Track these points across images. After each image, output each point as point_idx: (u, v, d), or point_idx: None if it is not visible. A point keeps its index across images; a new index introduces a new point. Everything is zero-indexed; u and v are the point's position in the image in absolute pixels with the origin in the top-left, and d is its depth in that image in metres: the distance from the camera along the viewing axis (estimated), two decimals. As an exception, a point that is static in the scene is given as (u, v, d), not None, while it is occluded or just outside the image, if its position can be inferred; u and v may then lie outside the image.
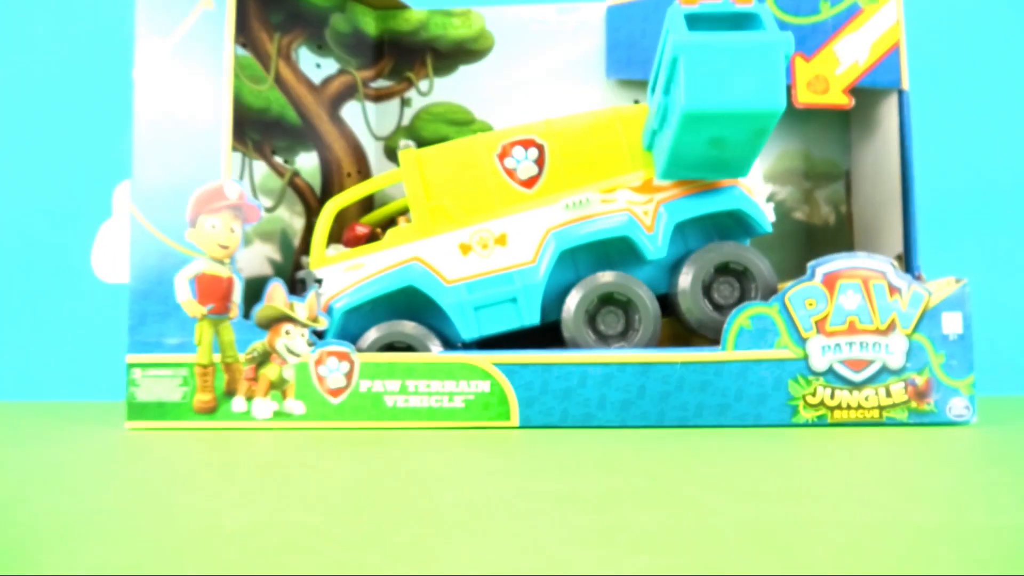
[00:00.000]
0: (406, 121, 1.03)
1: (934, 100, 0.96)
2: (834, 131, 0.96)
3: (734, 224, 0.78)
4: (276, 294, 0.74)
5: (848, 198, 0.96)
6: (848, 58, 0.85)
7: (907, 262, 0.81)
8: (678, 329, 0.78)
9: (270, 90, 0.90)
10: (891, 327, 0.70)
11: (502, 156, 0.77)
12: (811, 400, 0.70)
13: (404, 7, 1.02)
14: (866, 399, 0.70)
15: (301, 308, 0.74)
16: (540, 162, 0.77)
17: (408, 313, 0.78)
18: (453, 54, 1.02)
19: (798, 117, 0.95)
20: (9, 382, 1.16)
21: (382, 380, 0.73)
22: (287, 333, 0.74)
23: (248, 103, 0.87)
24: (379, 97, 1.03)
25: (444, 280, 0.76)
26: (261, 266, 0.87)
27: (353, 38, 1.00)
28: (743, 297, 0.75)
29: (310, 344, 0.74)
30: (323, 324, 0.74)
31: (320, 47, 0.96)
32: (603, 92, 0.98)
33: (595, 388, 0.70)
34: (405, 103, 1.03)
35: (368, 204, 1.01)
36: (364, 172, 1.01)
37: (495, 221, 0.76)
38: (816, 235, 0.97)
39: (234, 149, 0.84)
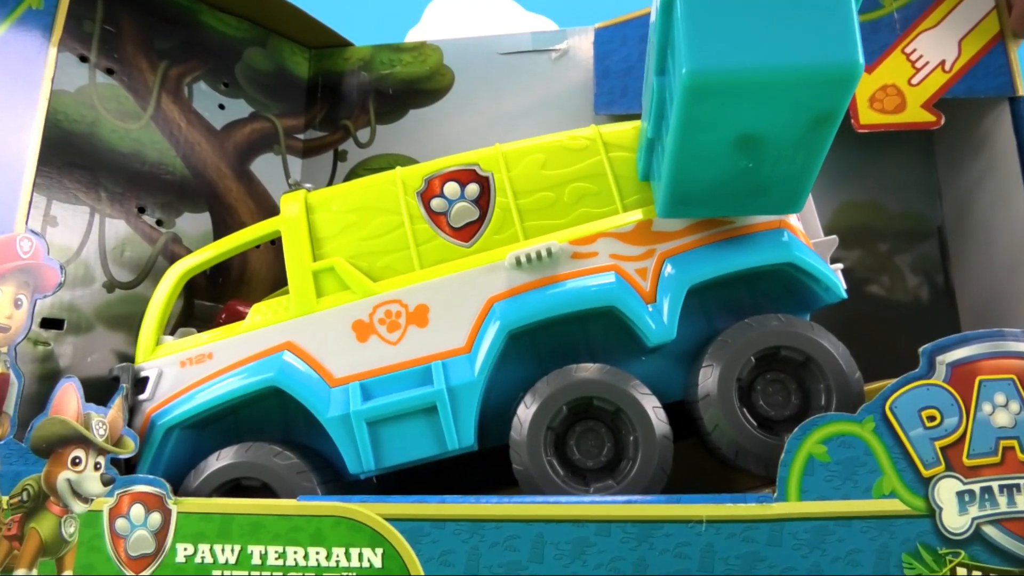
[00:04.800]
0: (340, 178, 0.80)
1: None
2: (915, 171, 0.69)
3: (782, 291, 0.50)
4: (67, 400, 0.48)
5: (945, 264, 0.68)
6: (929, 61, 0.60)
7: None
8: (701, 458, 0.49)
9: (144, 130, 0.68)
10: (1080, 459, 0.40)
11: (427, 195, 0.52)
12: (948, 592, 0.39)
13: (346, 44, 0.82)
14: (1050, 592, 0.39)
15: (100, 423, 0.47)
16: (483, 202, 0.52)
17: (282, 432, 0.51)
18: (401, 96, 0.80)
19: (863, 154, 0.69)
20: None
21: (210, 544, 0.44)
22: (75, 463, 0.47)
23: (108, 143, 0.65)
24: (309, 150, 0.81)
25: (328, 379, 0.49)
26: (104, 363, 0.62)
27: (275, 78, 0.80)
28: (806, 406, 0.46)
29: (107, 482, 0.46)
30: (129, 449, 0.47)
31: (226, 84, 0.75)
32: (592, 133, 0.74)
33: (558, 564, 0.41)
34: (339, 157, 0.80)
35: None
36: (280, 242, 0.77)
37: (410, 289, 0.50)
38: (902, 317, 0.68)
39: (79, 202, 0.62)
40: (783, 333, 0.46)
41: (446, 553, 0.41)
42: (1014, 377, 0.41)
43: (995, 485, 0.40)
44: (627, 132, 0.53)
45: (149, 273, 0.66)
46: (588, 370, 0.47)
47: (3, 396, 0.49)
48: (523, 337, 0.50)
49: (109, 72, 0.66)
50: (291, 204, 0.53)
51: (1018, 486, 0.40)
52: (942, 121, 0.58)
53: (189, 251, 0.70)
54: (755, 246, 0.48)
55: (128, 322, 0.64)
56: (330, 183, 0.80)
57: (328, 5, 1.21)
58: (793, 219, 0.50)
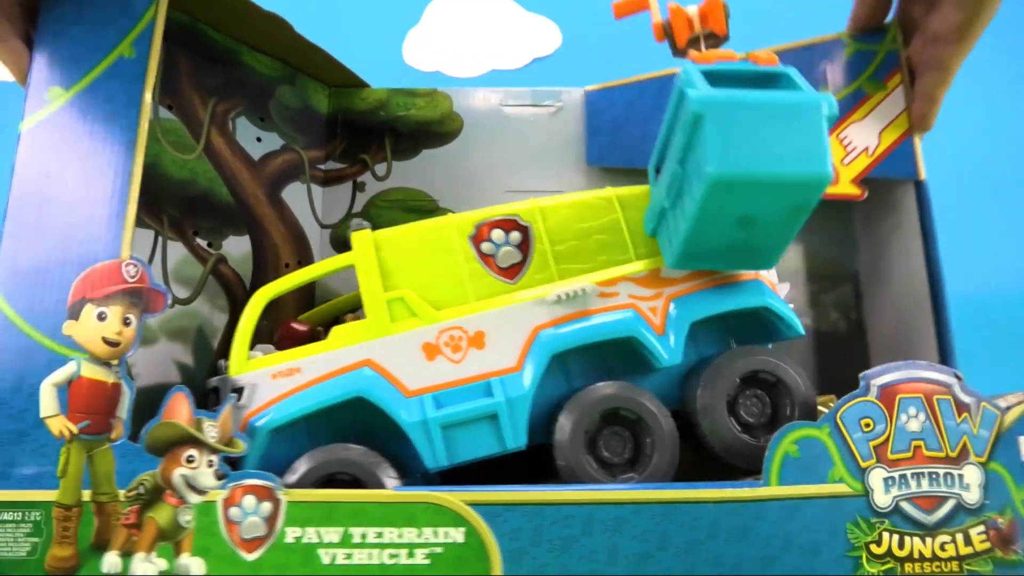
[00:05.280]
0: (358, 207, 0.89)
1: (956, 190, 0.89)
2: (836, 228, 0.87)
3: (753, 326, 0.65)
4: (179, 407, 0.56)
5: (859, 303, 0.86)
6: (857, 147, 0.77)
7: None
8: (699, 456, 0.63)
9: (197, 161, 0.75)
10: (962, 454, 0.56)
11: (478, 239, 0.64)
12: (876, 550, 0.55)
13: (363, 85, 0.92)
14: (942, 548, 0.55)
15: (211, 427, 0.56)
16: (524, 247, 0.64)
17: (357, 435, 0.61)
18: (415, 136, 0.90)
19: (802, 213, 0.86)
20: None
21: (316, 528, 0.54)
22: (189, 461, 0.55)
23: (168, 173, 0.72)
24: (329, 180, 0.90)
25: (404, 390, 0.59)
26: (166, 371, 0.69)
27: (301, 114, 0.88)
28: (775, 415, 0.61)
29: (220, 477, 0.55)
30: (240, 449, 0.56)
31: (263, 119, 0.83)
32: (583, 180, 0.88)
33: (603, 537, 0.53)
34: (358, 188, 0.90)
35: (308, 302, 0.84)
36: (306, 262, 0.85)
37: (469, 317, 0.61)
38: (826, 344, 0.85)
39: (146, 226, 0.69)
40: (762, 361, 0.61)
41: (515, 530, 0.53)
42: (922, 396, 0.57)
43: (909, 473, 0.56)
44: (637, 195, 0.66)
45: (202, 290, 0.74)
46: (614, 387, 0.60)
47: (117, 403, 0.56)
48: (557, 360, 0.62)
49: (169, 108, 0.73)
50: (361, 242, 0.63)
51: (923, 473, 0.56)
52: (866, 195, 0.75)
53: (234, 270, 0.78)
54: (740, 292, 0.63)
55: (184, 334, 0.71)
56: (349, 210, 0.89)
57: (330, 6, 1.29)
58: (765, 272, 0.65)
